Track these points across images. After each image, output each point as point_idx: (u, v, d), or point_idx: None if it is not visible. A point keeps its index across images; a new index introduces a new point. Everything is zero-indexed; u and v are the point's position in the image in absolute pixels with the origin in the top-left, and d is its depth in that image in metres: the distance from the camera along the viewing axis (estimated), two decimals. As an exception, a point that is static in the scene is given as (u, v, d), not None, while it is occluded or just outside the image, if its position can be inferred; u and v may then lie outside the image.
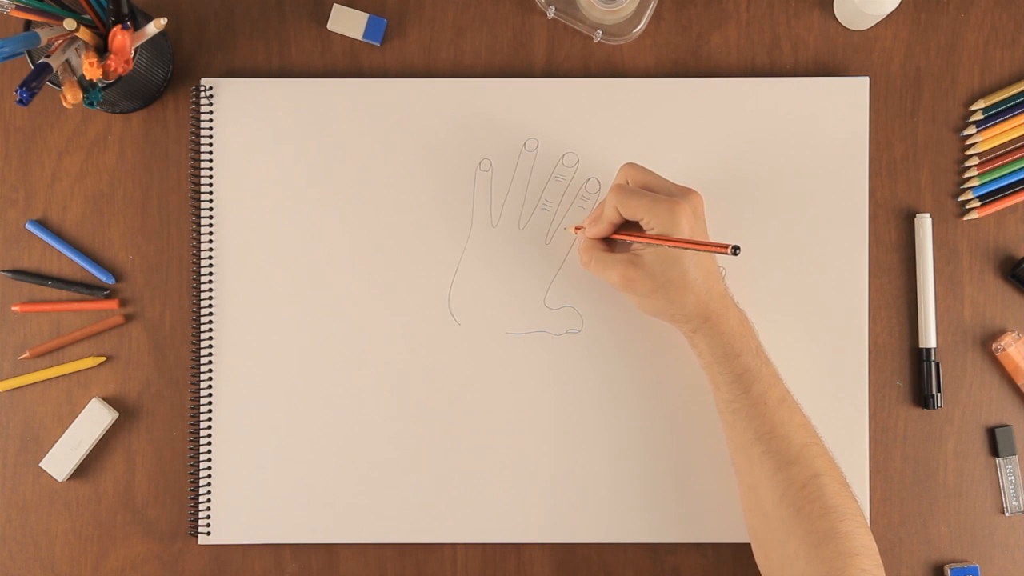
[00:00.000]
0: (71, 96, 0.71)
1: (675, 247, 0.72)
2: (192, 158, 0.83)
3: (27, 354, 0.82)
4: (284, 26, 0.84)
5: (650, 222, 0.73)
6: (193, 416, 0.82)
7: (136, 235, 0.83)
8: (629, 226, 0.76)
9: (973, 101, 0.83)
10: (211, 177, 0.83)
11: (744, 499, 0.76)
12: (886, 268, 0.83)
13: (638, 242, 0.74)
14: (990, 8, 0.84)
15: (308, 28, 0.84)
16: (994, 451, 0.82)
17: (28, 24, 0.73)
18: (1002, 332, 0.82)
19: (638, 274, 0.74)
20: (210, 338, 0.82)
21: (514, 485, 0.81)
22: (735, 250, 0.64)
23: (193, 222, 0.83)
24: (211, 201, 0.82)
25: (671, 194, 0.74)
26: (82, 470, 0.82)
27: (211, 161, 0.83)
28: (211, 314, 0.82)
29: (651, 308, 0.75)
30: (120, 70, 0.73)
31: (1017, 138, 0.83)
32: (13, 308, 0.83)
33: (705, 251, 0.70)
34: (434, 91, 0.82)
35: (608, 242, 0.78)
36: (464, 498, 0.81)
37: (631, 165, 0.76)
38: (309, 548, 0.82)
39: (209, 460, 0.82)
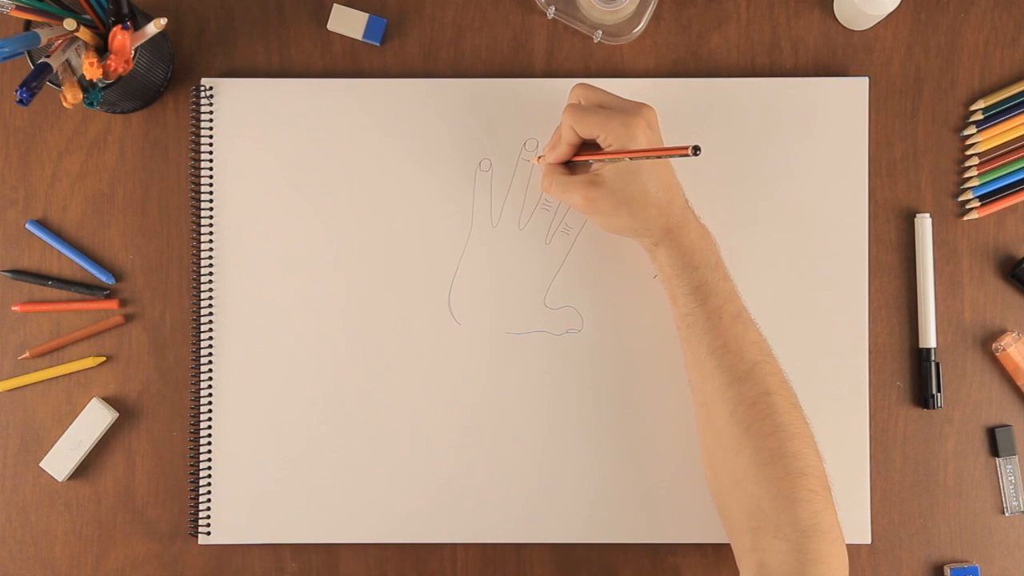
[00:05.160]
0: (71, 96, 0.71)
1: (635, 158, 0.72)
2: (192, 158, 0.83)
3: (27, 354, 0.82)
4: (284, 26, 0.84)
5: (606, 138, 0.73)
6: (193, 416, 0.82)
7: (136, 235, 0.83)
8: (587, 147, 0.77)
9: (973, 101, 0.83)
10: (211, 177, 0.83)
11: (697, 416, 0.77)
12: (886, 268, 0.83)
13: (598, 160, 0.75)
14: (990, 8, 0.84)
15: (308, 28, 0.84)
16: (994, 451, 0.82)
17: (28, 24, 0.73)
18: (1002, 332, 0.82)
19: (599, 193, 0.74)
20: (210, 338, 0.82)
21: (514, 485, 0.81)
22: (696, 150, 0.64)
23: (193, 222, 0.83)
24: (211, 201, 0.82)
25: (624, 109, 0.74)
26: (82, 470, 0.82)
27: (211, 161, 0.83)
28: (211, 314, 0.82)
29: (615, 226, 0.76)
30: (120, 70, 0.73)
31: (1017, 138, 0.83)
32: (13, 308, 0.83)
33: (666, 156, 0.70)
34: (434, 91, 0.82)
35: (569, 167, 0.78)
36: (464, 498, 0.81)
37: (583, 85, 0.77)
38: (309, 548, 0.82)
39: (209, 460, 0.82)
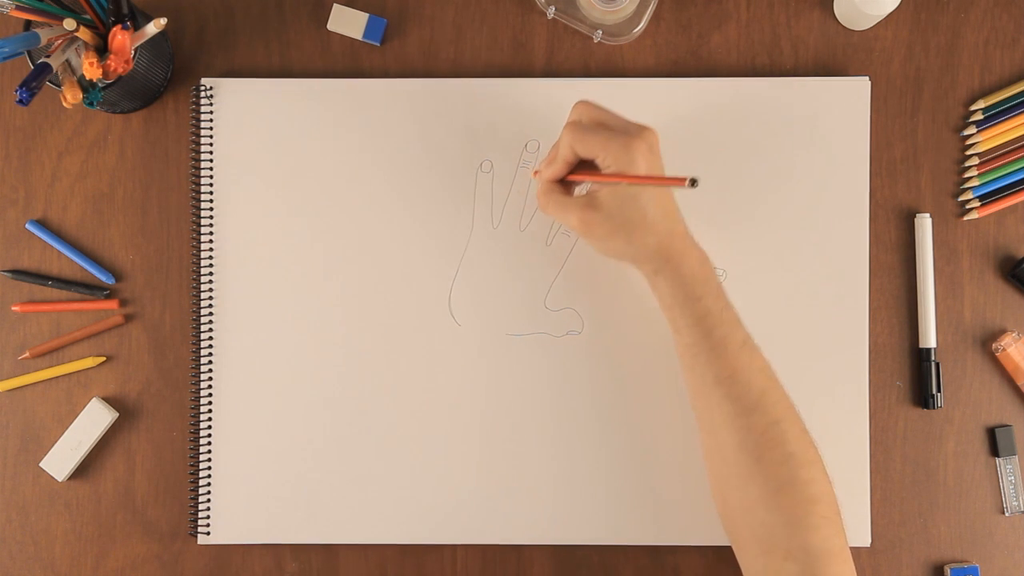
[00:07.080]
0: (71, 96, 0.71)
1: (633, 184, 0.70)
2: (192, 158, 0.83)
3: (27, 354, 0.82)
4: (284, 26, 0.84)
5: (605, 159, 0.71)
6: (193, 416, 0.82)
7: (136, 235, 0.83)
8: (584, 166, 0.75)
9: (973, 101, 0.83)
10: (211, 177, 0.83)
11: (704, 444, 0.75)
12: (886, 268, 0.83)
13: (595, 181, 0.73)
14: (990, 8, 0.84)
15: (308, 28, 0.84)
16: (994, 451, 0.82)
17: (28, 24, 0.73)
18: (1002, 332, 0.83)
19: (596, 216, 0.72)
20: (210, 338, 0.82)
21: (514, 486, 0.81)
22: (693, 182, 0.63)
23: (193, 222, 0.83)
24: (211, 201, 0.82)
25: (626, 131, 0.72)
26: (82, 470, 0.82)
27: (211, 161, 0.83)
28: (211, 314, 0.82)
29: (612, 251, 0.74)
30: (120, 70, 0.73)
31: (1017, 138, 0.83)
32: (13, 308, 0.83)
33: (663, 186, 0.68)
34: (434, 91, 0.82)
35: (566, 185, 0.76)
36: (464, 499, 0.81)
37: (585, 103, 0.75)
38: (309, 548, 0.82)
39: (209, 460, 0.82)
